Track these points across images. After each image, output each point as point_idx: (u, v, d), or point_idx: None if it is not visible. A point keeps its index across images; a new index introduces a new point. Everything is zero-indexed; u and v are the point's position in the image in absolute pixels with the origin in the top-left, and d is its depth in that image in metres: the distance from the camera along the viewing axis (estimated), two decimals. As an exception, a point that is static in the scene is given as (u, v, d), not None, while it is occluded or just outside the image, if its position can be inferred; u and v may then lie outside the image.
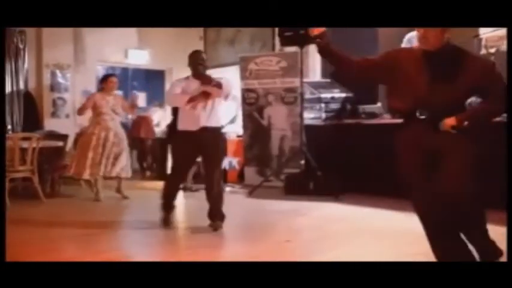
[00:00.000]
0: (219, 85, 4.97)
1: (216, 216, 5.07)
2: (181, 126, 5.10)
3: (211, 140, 5.04)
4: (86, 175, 6.90)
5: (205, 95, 4.91)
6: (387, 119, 7.02)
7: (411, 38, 6.86)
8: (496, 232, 3.82)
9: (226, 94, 5.09)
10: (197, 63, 5.11)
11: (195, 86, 5.00)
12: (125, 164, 7.04)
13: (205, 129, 4.98)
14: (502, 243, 3.40)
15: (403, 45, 6.92)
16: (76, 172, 6.92)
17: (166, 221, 5.22)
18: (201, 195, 7.19)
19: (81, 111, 7.18)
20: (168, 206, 5.26)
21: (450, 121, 3.30)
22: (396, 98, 3.51)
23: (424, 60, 3.38)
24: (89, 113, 8.48)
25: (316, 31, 3.41)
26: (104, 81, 7.16)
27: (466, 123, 3.30)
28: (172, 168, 5.36)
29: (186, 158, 5.23)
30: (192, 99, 4.88)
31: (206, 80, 5.02)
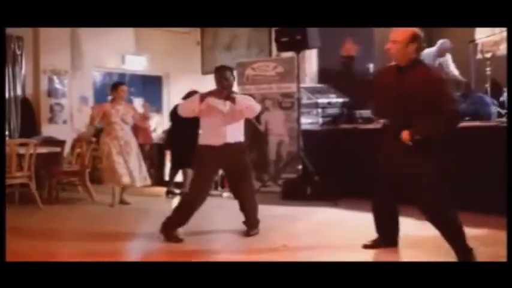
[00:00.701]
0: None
1: (254, 225, 5.16)
2: (204, 141, 5.03)
3: (235, 155, 5.00)
4: (107, 182, 7.00)
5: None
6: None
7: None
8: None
9: (250, 113, 5.15)
10: (220, 81, 4.96)
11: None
12: (140, 171, 7.09)
13: (228, 145, 4.92)
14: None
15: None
16: (107, 179, 7.01)
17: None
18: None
19: (92, 121, 7.25)
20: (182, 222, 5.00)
21: (405, 134, 3.72)
22: (374, 107, 4.20)
23: (394, 74, 3.80)
24: (84, 120, 8.52)
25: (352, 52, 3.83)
26: (114, 90, 7.08)
27: (417, 137, 3.69)
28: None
29: (208, 174, 5.08)
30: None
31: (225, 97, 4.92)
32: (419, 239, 4.79)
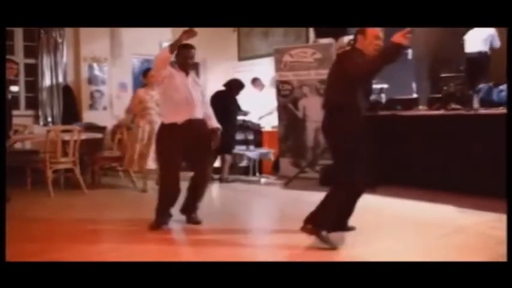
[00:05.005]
0: None
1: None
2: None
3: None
4: (135, 167, 7.11)
5: None
6: (422, 111, 7.01)
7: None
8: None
9: None
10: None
11: None
12: None
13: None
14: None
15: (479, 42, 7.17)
16: (127, 164, 7.16)
17: None
18: (236, 185, 7.34)
19: (129, 111, 7.40)
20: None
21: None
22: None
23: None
24: (124, 106, 8.69)
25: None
26: (144, 76, 7.26)
27: None
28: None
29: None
30: None
31: None
32: (461, 225, 4.80)
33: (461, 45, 8.11)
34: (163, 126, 4.90)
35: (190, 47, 4.97)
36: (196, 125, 4.86)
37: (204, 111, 5.04)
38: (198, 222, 4.98)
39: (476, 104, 6.17)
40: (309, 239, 4.20)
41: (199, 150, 4.91)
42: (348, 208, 4.35)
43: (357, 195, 4.29)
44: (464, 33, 8.06)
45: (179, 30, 4.34)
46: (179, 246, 4.50)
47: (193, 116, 4.85)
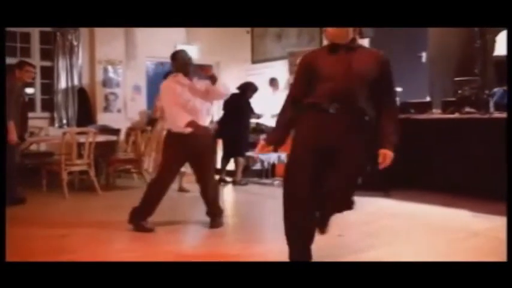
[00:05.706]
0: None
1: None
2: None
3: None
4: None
5: None
6: (437, 114, 6.97)
7: None
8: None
9: None
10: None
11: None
12: None
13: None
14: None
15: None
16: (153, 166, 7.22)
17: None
18: (250, 188, 7.34)
19: (155, 113, 7.51)
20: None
21: (389, 156, 3.46)
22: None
23: (335, 56, 3.36)
24: (137, 108, 8.75)
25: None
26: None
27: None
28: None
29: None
30: None
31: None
32: (474, 230, 4.79)
33: (476, 48, 8.04)
34: (170, 134, 5.01)
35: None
36: (201, 134, 4.95)
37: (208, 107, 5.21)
38: (215, 226, 5.10)
39: (492, 107, 6.14)
40: (320, 240, 4.19)
41: (202, 158, 5.10)
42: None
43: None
44: (477, 36, 7.98)
45: (194, 30, 4.36)
46: (190, 248, 4.52)
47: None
